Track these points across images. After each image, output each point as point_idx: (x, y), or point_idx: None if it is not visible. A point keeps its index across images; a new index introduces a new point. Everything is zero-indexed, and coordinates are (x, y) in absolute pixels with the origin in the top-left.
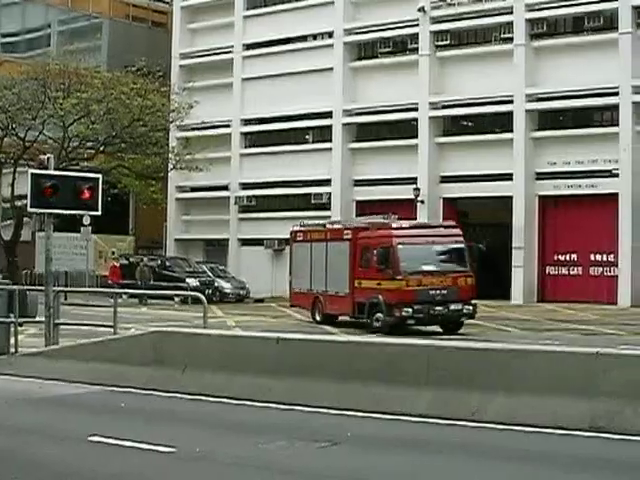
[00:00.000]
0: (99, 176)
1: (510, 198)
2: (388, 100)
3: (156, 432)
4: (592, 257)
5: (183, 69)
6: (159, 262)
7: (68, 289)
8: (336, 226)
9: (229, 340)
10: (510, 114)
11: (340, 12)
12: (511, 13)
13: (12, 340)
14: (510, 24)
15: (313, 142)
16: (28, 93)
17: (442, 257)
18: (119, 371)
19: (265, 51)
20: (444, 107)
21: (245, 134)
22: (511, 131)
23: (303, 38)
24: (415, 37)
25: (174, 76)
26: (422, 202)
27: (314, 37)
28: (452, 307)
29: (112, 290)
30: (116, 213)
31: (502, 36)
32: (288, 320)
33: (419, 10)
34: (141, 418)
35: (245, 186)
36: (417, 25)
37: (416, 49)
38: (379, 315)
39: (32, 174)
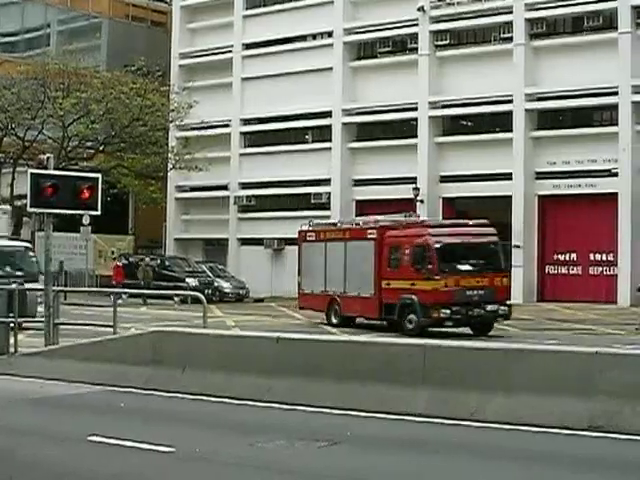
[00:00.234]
0: (98, 176)
1: (510, 198)
2: (387, 100)
3: (156, 432)
4: (591, 256)
5: (182, 69)
6: (158, 262)
7: (68, 289)
8: (358, 225)
9: (229, 340)
10: (509, 114)
11: (339, 12)
12: (510, 13)
13: (12, 340)
14: (509, 24)
15: (312, 142)
16: (27, 93)
17: (478, 256)
18: (119, 371)
19: (264, 51)
20: (443, 107)
21: (244, 134)
22: (510, 131)
23: (302, 38)
24: (414, 37)
25: (173, 76)
26: (421, 202)
27: (313, 37)
28: (489, 308)
29: (111, 290)
30: (116, 213)
31: (501, 36)
32: (288, 320)
33: (418, 10)
34: (141, 418)
35: (244, 186)
36: (416, 25)
37: (415, 49)
38: (412, 317)
39: (32, 174)
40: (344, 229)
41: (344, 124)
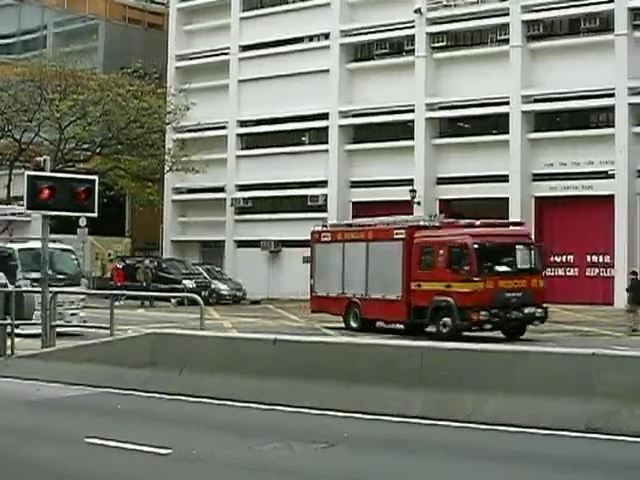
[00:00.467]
0: (95, 178)
1: (506, 199)
2: (384, 102)
3: (153, 434)
4: (588, 258)
5: (179, 71)
6: (155, 263)
7: (64, 290)
8: (383, 225)
9: (226, 342)
10: (506, 115)
11: (336, 14)
12: (507, 15)
13: (8, 342)
14: (506, 26)
15: (309, 144)
16: (24, 95)
17: (515, 257)
18: (116, 373)
19: (261, 53)
20: (440, 108)
21: (241, 136)
22: (507, 132)
23: (299, 40)
24: (411, 39)
25: (170, 78)
26: (418, 203)
27: (310, 39)
28: (526, 311)
29: (107, 292)
30: (112, 215)
31: (498, 38)
32: (285, 322)
33: (415, 12)
34: (138, 420)
35: (241, 188)
36: (413, 27)
37: (412, 51)
38: (446, 320)
39: (28, 176)
40: (366, 229)
41: (341, 126)
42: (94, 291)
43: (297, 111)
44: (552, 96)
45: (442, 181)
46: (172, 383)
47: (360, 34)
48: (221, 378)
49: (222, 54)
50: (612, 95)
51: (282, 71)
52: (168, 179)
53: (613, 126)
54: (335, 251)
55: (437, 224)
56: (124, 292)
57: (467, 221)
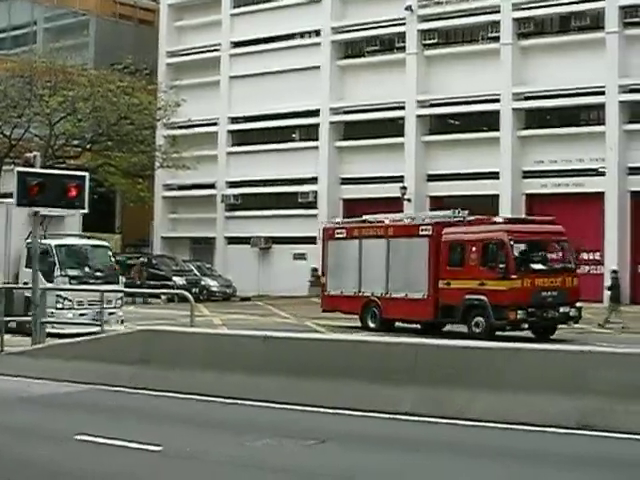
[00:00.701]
0: (86, 174)
1: (497, 196)
2: (375, 98)
3: (144, 431)
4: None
5: (170, 67)
6: (146, 260)
7: (54, 287)
8: (407, 221)
9: (216, 339)
10: (497, 113)
11: (327, 10)
12: (498, 12)
13: None
14: (497, 23)
15: (300, 140)
16: (14, 90)
17: (550, 255)
18: (107, 370)
19: (252, 49)
20: (431, 105)
21: (232, 132)
22: (498, 130)
23: (290, 36)
24: (402, 36)
25: (161, 74)
26: (409, 200)
27: (301, 35)
28: (561, 310)
29: (97, 288)
30: (103, 211)
31: (489, 35)
32: (275, 319)
33: (406, 9)
34: (129, 417)
35: (232, 184)
36: (404, 24)
37: (403, 48)
38: (479, 319)
39: (18, 172)
40: (387, 225)
41: (332, 123)
42: (84, 287)
43: (288, 108)
44: (543, 93)
45: (432, 178)
46: (163, 380)
47: (351, 31)
48: (212, 375)
49: (213, 50)
50: (603, 93)
51: (273, 68)
52: (159, 175)
53: (604, 124)
54: (351, 248)
55: (466, 220)
56: (110, 288)
57: (499, 217)
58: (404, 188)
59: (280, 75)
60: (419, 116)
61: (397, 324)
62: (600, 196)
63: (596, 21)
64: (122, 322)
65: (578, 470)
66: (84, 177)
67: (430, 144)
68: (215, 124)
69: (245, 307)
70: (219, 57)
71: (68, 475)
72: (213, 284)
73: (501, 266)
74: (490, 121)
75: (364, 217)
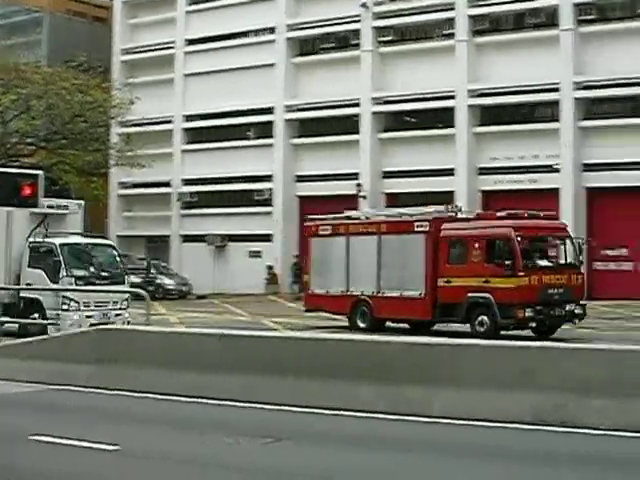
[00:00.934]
0: (40, 172)
1: (452, 193)
2: (330, 96)
3: (100, 430)
4: None
5: (124, 65)
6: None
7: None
8: (403, 217)
9: (172, 337)
10: (452, 109)
11: (282, 8)
12: (453, 9)
13: None
14: (452, 20)
15: (255, 138)
16: None
17: (556, 252)
18: (61, 369)
19: (207, 47)
20: (386, 102)
21: (187, 130)
22: (453, 126)
23: (245, 34)
24: (357, 33)
25: (115, 72)
26: (364, 197)
27: (256, 33)
28: (567, 308)
29: (51, 287)
30: None
31: (444, 32)
32: (231, 316)
33: (361, 6)
34: (84, 416)
35: (187, 182)
36: (359, 21)
37: (358, 45)
38: (483, 318)
39: None
40: (377, 222)
41: (286, 120)
42: (40, 287)
43: (243, 105)
44: (498, 90)
45: (388, 175)
46: (119, 379)
47: (306, 28)
48: (168, 374)
49: (168, 48)
50: (557, 90)
51: (228, 65)
52: (113, 174)
53: (558, 120)
54: (337, 246)
55: (466, 216)
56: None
57: (503, 212)
58: (359, 185)
59: (235, 73)
60: (374, 113)
61: (387, 323)
62: (555, 192)
63: (551, 18)
64: (129, 323)
65: (537, 466)
66: (38, 175)
67: (385, 141)
68: (170, 122)
69: (201, 305)
70: (173, 55)
71: (18, 475)
72: (169, 282)
73: (507, 263)
74: (445, 118)
75: (346, 213)
